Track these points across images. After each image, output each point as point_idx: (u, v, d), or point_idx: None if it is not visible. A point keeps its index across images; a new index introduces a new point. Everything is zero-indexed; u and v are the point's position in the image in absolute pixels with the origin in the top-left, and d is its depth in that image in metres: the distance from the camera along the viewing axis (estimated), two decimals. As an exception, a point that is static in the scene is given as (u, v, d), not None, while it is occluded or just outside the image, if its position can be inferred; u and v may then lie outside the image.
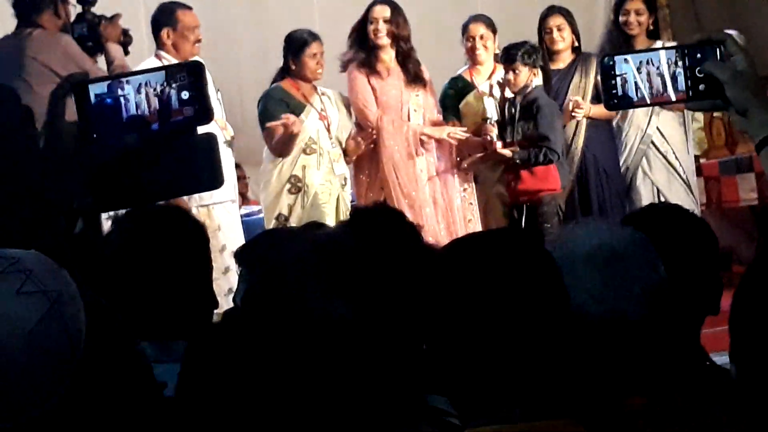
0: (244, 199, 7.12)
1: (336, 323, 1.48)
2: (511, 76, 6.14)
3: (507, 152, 6.13)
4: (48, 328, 1.26)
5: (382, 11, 6.19)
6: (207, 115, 1.85)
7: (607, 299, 1.84)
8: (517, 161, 6.13)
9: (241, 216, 6.29)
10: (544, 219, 6.13)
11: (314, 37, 6.14)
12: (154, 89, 1.79)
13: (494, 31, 6.51)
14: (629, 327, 1.83)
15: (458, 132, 6.23)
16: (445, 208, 6.25)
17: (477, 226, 6.26)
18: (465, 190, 6.35)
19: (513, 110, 6.21)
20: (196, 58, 5.93)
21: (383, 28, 6.17)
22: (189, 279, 2.32)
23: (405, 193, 6.13)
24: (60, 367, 1.26)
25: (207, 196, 5.75)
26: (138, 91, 1.79)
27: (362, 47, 6.21)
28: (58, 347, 1.26)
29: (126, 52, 5.70)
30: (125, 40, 5.71)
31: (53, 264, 1.33)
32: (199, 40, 5.97)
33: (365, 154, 6.19)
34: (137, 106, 1.80)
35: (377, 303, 1.89)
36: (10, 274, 1.28)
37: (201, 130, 1.89)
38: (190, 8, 6.00)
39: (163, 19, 5.94)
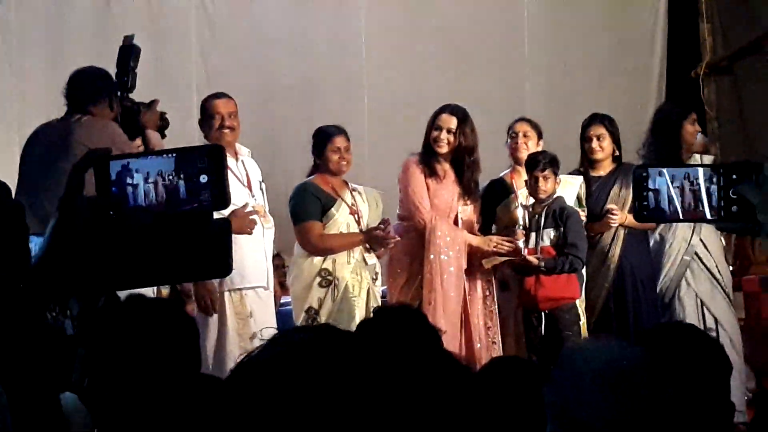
0: (282, 287, 7.12)
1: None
2: (541, 182, 6.12)
3: (533, 259, 6.10)
4: None
5: (449, 121, 6.21)
6: (224, 201, 1.86)
7: (613, 418, 1.82)
8: (544, 269, 6.09)
9: (281, 305, 6.29)
10: (565, 326, 6.08)
11: (339, 131, 6.18)
12: (166, 174, 1.81)
13: (539, 134, 6.53)
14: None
15: (504, 243, 6.20)
16: (468, 318, 6.19)
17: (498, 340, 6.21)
18: (486, 297, 6.28)
19: (537, 217, 6.19)
20: (244, 147, 6.03)
21: (446, 138, 6.19)
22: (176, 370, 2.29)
23: (445, 295, 6.07)
24: None
25: (238, 281, 5.78)
26: (155, 175, 1.81)
27: (425, 145, 6.23)
28: None
29: (163, 135, 5.78)
30: (162, 124, 5.80)
31: None
32: (224, 127, 5.95)
33: (407, 251, 6.16)
34: (146, 193, 1.81)
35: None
36: None
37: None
38: (222, 96, 6.09)
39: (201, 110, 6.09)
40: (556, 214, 6.18)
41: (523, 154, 6.44)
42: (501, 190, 6.55)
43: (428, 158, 6.20)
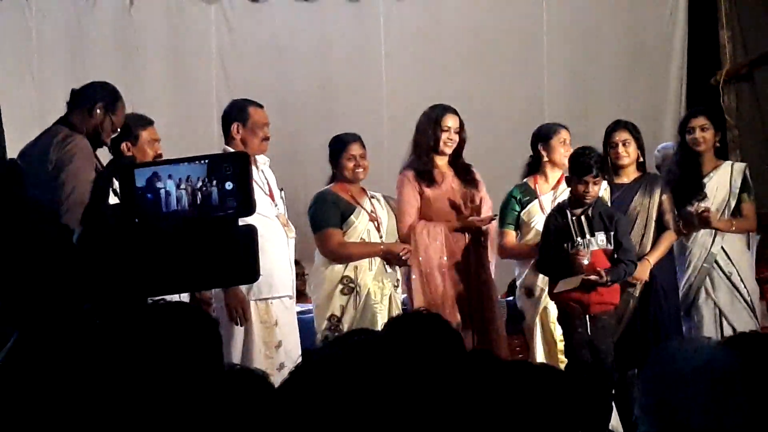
0: (301, 296, 7.14)
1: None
2: (591, 187, 5.96)
3: (600, 276, 5.90)
4: None
5: (454, 121, 6.25)
6: (249, 207, 1.87)
7: (711, 418, 1.84)
8: (609, 283, 5.96)
9: (298, 313, 6.30)
10: (607, 331, 5.99)
11: (354, 138, 6.23)
12: (197, 180, 1.81)
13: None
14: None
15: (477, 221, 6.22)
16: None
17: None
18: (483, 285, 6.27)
19: (586, 221, 6.00)
20: (263, 156, 6.03)
21: (455, 137, 6.23)
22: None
23: (439, 288, 6.09)
24: None
25: (266, 290, 5.80)
26: (181, 181, 1.81)
27: (420, 154, 6.25)
28: None
29: (106, 144, 5.59)
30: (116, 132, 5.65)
31: None
32: (267, 138, 6.01)
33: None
34: (178, 199, 1.82)
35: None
36: None
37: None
38: (261, 106, 6.08)
39: (234, 114, 6.02)
40: (603, 216, 6.03)
41: (564, 161, 6.45)
42: (525, 194, 6.56)
43: (424, 166, 6.20)
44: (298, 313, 6.27)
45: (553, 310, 6.37)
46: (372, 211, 6.22)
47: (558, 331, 6.34)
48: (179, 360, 2.30)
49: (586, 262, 5.87)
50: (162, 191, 1.86)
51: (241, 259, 1.90)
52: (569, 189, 6.12)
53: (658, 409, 1.88)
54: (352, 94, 8.79)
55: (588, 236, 5.94)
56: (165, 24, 8.54)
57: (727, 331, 6.44)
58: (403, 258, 6.08)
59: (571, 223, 5.97)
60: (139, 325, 2.31)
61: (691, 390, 1.87)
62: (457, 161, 6.32)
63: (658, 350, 2.00)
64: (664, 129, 9.06)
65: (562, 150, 6.53)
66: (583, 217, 5.97)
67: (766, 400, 1.90)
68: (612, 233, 5.98)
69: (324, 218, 6.13)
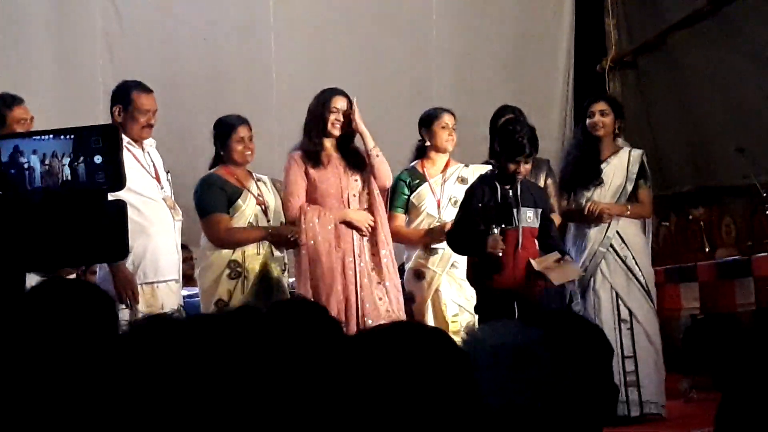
0: (190, 280, 7.06)
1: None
2: (522, 166, 5.77)
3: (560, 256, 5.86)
4: None
5: (343, 103, 6.24)
6: (119, 182, 1.83)
7: (511, 396, 1.84)
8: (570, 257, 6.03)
9: (185, 297, 6.23)
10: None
11: (241, 121, 6.17)
12: (63, 155, 1.77)
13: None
14: (524, 419, 1.83)
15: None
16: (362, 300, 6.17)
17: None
18: (380, 283, 6.25)
19: (514, 198, 5.86)
20: (150, 140, 5.93)
21: (342, 119, 6.22)
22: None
23: (327, 284, 6.06)
24: None
25: (152, 274, 5.71)
26: (46, 156, 1.77)
27: (311, 136, 6.23)
28: None
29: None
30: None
31: None
32: (150, 125, 5.87)
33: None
34: (43, 174, 1.77)
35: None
36: None
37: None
38: (150, 91, 5.93)
39: (117, 97, 5.92)
40: (531, 191, 5.93)
41: (450, 146, 6.51)
42: (414, 178, 6.58)
43: (313, 147, 6.20)
44: (185, 297, 6.20)
45: (444, 292, 6.41)
46: (259, 195, 6.17)
47: (449, 313, 6.38)
48: (76, 335, 2.26)
49: (500, 253, 5.74)
50: (26, 166, 1.80)
51: (111, 235, 1.85)
52: (498, 165, 5.94)
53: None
54: (241, 78, 8.73)
55: (515, 214, 5.80)
56: (49, 4, 8.36)
57: (624, 314, 6.55)
58: (291, 240, 6.05)
59: (499, 198, 5.84)
60: (33, 301, 2.26)
61: (491, 367, 1.87)
62: (346, 145, 6.30)
63: (467, 332, 2.00)
64: (552, 113, 9.19)
65: (444, 135, 6.57)
66: (510, 192, 5.85)
67: (563, 377, 1.91)
68: (540, 210, 5.91)
69: (210, 203, 6.06)
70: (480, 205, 5.83)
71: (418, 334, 1.79)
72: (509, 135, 5.85)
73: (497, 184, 5.85)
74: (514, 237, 5.79)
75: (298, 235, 6.05)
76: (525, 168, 5.85)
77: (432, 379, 1.67)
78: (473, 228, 5.81)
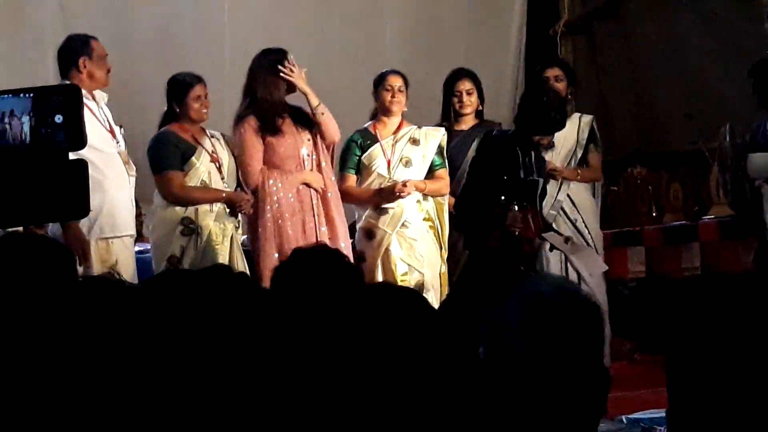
0: (139, 236, 7.04)
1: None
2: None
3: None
4: None
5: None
6: (81, 141, 1.84)
7: (534, 339, 1.91)
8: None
9: (136, 252, 6.22)
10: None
11: (198, 79, 6.17)
12: (23, 114, 1.77)
13: (407, 87, 6.60)
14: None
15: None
16: None
17: None
18: (331, 239, 6.20)
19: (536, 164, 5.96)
20: (101, 92, 5.91)
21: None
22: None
23: (293, 246, 6.06)
24: None
25: (108, 229, 5.71)
26: (5, 115, 1.77)
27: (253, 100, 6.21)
28: None
29: None
30: None
31: None
32: (109, 70, 5.94)
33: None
34: (9, 128, 1.78)
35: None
36: None
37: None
38: (98, 39, 5.99)
39: (78, 48, 5.90)
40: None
41: (397, 108, 6.56)
42: (366, 139, 6.60)
43: (265, 112, 6.18)
44: (136, 252, 6.20)
45: (394, 252, 6.46)
46: (213, 152, 6.17)
47: (399, 272, 6.44)
48: (37, 287, 2.27)
49: (516, 232, 5.82)
50: (-11, 121, 1.80)
51: (72, 193, 1.86)
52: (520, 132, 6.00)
53: (489, 335, 1.95)
54: (193, 35, 8.67)
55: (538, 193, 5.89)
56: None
57: (572, 275, 6.65)
58: (243, 211, 6.07)
59: (524, 163, 5.87)
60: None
61: (518, 317, 1.93)
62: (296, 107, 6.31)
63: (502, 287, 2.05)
64: (505, 76, 9.22)
65: (387, 96, 6.58)
66: (535, 168, 5.93)
67: (586, 330, 1.96)
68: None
69: (164, 160, 6.05)
70: (504, 176, 5.80)
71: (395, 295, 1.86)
72: (542, 109, 5.87)
73: (519, 152, 5.90)
74: (531, 216, 5.91)
75: (249, 206, 6.06)
76: (547, 140, 5.91)
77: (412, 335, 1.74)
78: (488, 200, 5.81)
